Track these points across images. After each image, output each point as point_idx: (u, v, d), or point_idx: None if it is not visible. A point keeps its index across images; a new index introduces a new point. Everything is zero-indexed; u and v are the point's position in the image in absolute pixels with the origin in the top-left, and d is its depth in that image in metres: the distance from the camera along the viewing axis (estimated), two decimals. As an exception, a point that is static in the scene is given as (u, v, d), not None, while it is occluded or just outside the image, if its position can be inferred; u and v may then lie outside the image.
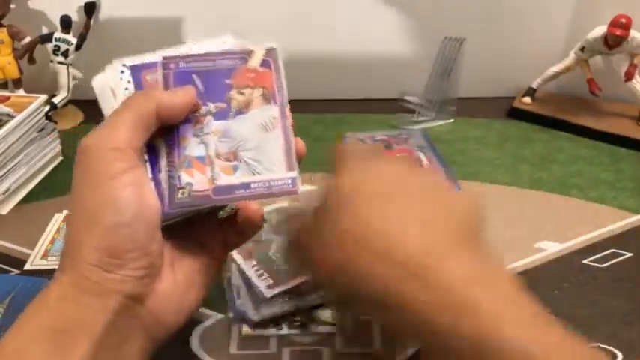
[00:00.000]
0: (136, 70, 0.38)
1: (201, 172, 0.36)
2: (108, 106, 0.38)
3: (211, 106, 0.37)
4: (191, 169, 0.36)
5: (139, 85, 0.38)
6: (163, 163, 0.36)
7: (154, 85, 0.37)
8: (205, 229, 0.40)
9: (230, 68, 0.38)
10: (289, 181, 0.36)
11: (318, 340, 0.48)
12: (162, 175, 0.36)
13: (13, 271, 0.56)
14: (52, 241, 0.60)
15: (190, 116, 0.37)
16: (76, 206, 0.35)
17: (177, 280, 0.37)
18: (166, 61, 0.38)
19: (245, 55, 0.38)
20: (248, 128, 0.37)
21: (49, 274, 0.54)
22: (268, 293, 0.49)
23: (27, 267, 0.57)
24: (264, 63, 0.39)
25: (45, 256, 0.58)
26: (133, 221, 0.34)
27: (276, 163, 0.37)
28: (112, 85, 0.38)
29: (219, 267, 0.41)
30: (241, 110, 0.37)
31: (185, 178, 0.36)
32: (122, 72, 0.38)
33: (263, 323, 0.49)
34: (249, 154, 0.37)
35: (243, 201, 0.38)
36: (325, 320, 0.49)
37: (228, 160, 0.37)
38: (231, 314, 0.50)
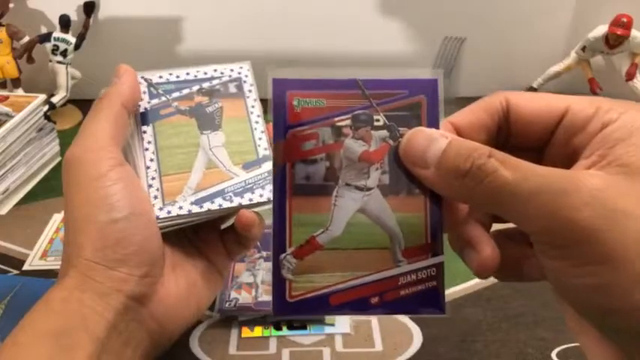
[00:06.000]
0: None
1: (248, 293, 0.50)
2: None
3: (264, 253, 0.52)
4: (240, 289, 0.50)
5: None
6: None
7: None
8: (206, 238, 0.41)
9: None
10: None
11: (317, 340, 0.48)
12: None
13: (11, 272, 0.56)
14: (51, 242, 0.60)
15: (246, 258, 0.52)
16: (69, 210, 0.35)
17: (179, 285, 0.38)
18: None
19: None
20: None
21: (47, 274, 0.55)
22: None
23: (25, 267, 0.56)
24: None
25: (44, 256, 0.58)
26: (129, 216, 0.34)
27: None
28: None
29: (221, 278, 0.41)
30: None
31: (233, 294, 0.49)
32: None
33: (265, 323, 0.49)
34: None
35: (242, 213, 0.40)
36: (326, 321, 0.49)
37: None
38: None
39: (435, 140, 0.27)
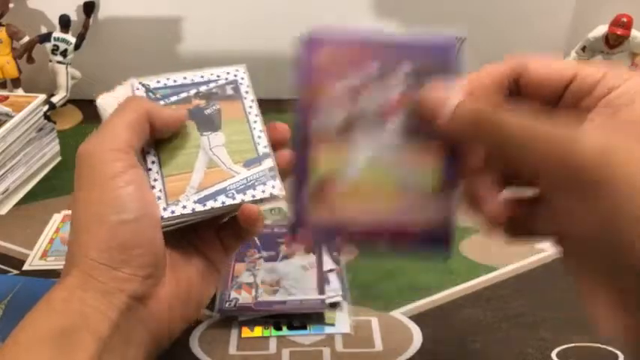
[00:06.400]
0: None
1: (248, 293, 0.50)
2: None
3: (264, 253, 0.53)
4: (240, 289, 0.50)
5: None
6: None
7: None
8: (203, 236, 0.41)
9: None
10: (319, 301, 0.49)
11: (317, 340, 0.48)
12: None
13: (11, 272, 0.56)
14: (51, 242, 0.60)
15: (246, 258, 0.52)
16: (78, 208, 0.35)
17: (180, 285, 0.38)
18: None
19: None
20: (291, 268, 0.51)
21: (47, 274, 0.55)
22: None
23: (25, 267, 0.56)
24: None
25: (44, 256, 0.58)
26: (138, 218, 0.34)
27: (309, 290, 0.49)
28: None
29: (219, 275, 0.42)
30: (287, 256, 0.53)
31: (233, 294, 0.49)
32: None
33: (266, 322, 0.49)
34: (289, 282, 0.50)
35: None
36: (326, 321, 0.49)
37: (271, 285, 0.50)
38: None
39: (451, 93, 0.30)
